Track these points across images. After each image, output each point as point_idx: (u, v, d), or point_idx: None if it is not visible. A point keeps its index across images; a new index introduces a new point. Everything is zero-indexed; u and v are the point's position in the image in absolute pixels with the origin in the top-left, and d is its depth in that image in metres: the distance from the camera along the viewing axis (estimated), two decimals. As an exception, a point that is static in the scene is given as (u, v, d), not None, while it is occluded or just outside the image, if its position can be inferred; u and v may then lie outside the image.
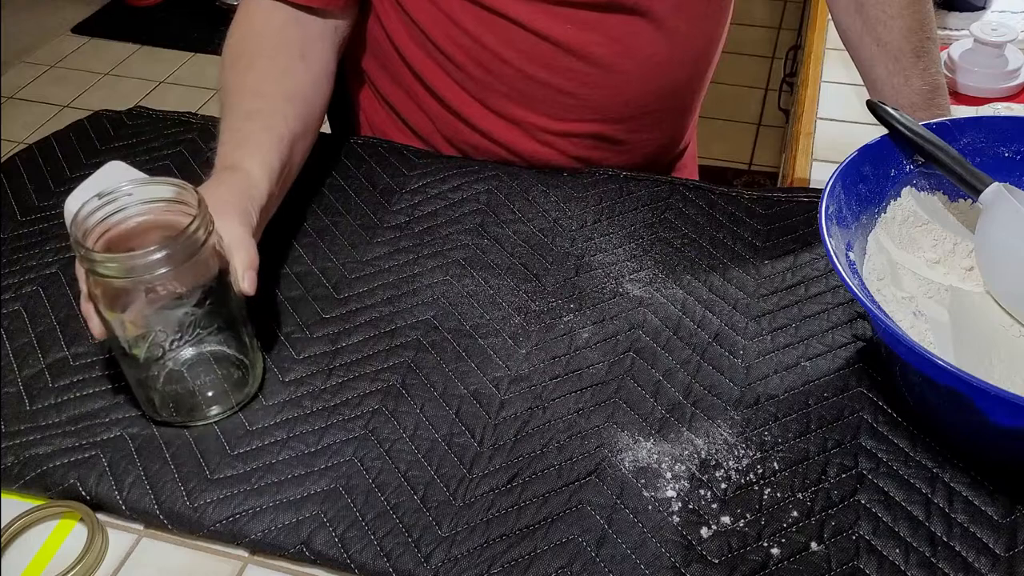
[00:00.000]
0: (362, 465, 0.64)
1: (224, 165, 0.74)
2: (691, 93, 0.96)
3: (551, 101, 0.90)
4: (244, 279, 0.65)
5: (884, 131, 0.73)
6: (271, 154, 0.76)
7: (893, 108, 0.73)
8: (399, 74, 0.94)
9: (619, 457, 0.63)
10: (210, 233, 0.62)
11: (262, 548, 0.60)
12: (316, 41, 0.85)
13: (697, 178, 1.07)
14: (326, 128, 1.11)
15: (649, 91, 0.90)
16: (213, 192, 0.68)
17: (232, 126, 0.77)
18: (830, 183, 0.67)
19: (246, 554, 0.61)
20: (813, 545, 0.58)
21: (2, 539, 0.61)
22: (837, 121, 1.06)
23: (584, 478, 0.62)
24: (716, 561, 0.57)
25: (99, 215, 0.62)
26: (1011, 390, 0.53)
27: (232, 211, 0.68)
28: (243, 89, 0.80)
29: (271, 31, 0.83)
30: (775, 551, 0.58)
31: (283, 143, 0.78)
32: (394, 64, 0.94)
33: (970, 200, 0.73)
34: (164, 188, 0.63)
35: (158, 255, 0.59)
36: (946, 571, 0.57)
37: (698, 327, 0.73)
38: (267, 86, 0.80)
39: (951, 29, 1.16)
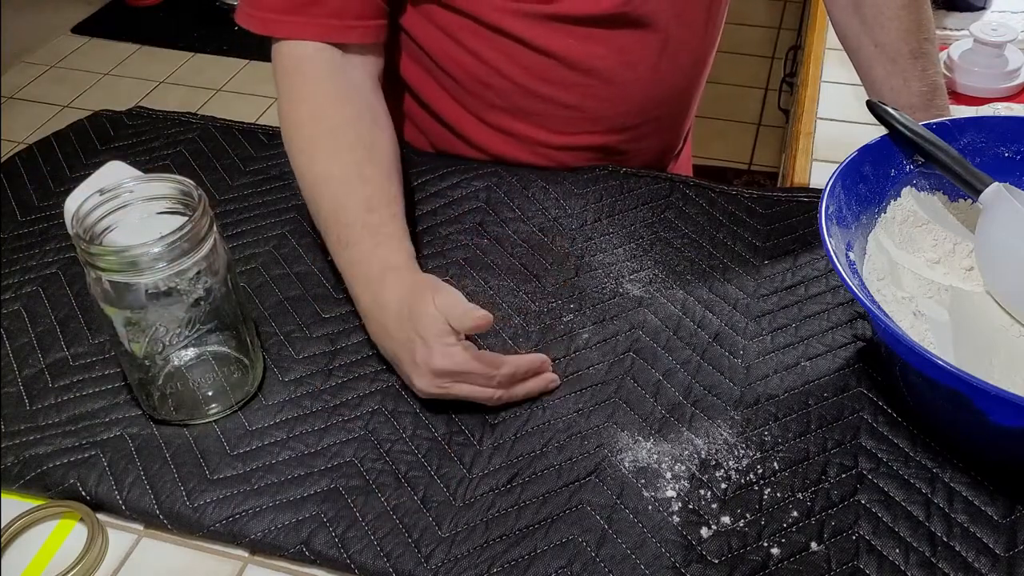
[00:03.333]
0: (362, 465, 0.64)
1: (387, 267, 0.70)
2: (690, 97, 0.96)
3: (552, 115, 0.89)
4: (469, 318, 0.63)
5: (884, 131, 0.73)
6: (410, 245, 0.73)
7: (893, 108, 0.73)
8: (393, 88, 0.93)
9: (619, 457, 0.63)
10: (210, 229, 0.62)
11: (262, 548, 0.60)
12: (372, 93, 0.80)
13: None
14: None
15: (651, 99, 0.90)
16: (409, 299, 0.66)
17: (358, 220, 0.71)
18: (830, 183, 0.67)
19: (246, 554, 0.61)
20: (813, 545, 0.58)
21: (2, 539, 0.61)
22: (837, 121, 1.06)
23: (584, 478, 0.62)
24: (716, 561, 0.57)
25: (100, 211, 0.62)
26: (1011, 390, 0.53)
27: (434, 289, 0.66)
28: (347, 175, 0.73)
29: (336, 96, 0.77)
30: (775, 551, 0.58)
31: (405, 223, 0.74)
32: (388, 78, 0.93)
33: (970, 200, 0.73)
34: (165, 185, 0.63)
35: (157, 250, 0.59)
36: (946, 571, 0.57)
37: (698, 327, 0.73)
38: (367, 168, 0.74)
39: (951, 29, 1.16)
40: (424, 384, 0.64)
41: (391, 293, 0.67)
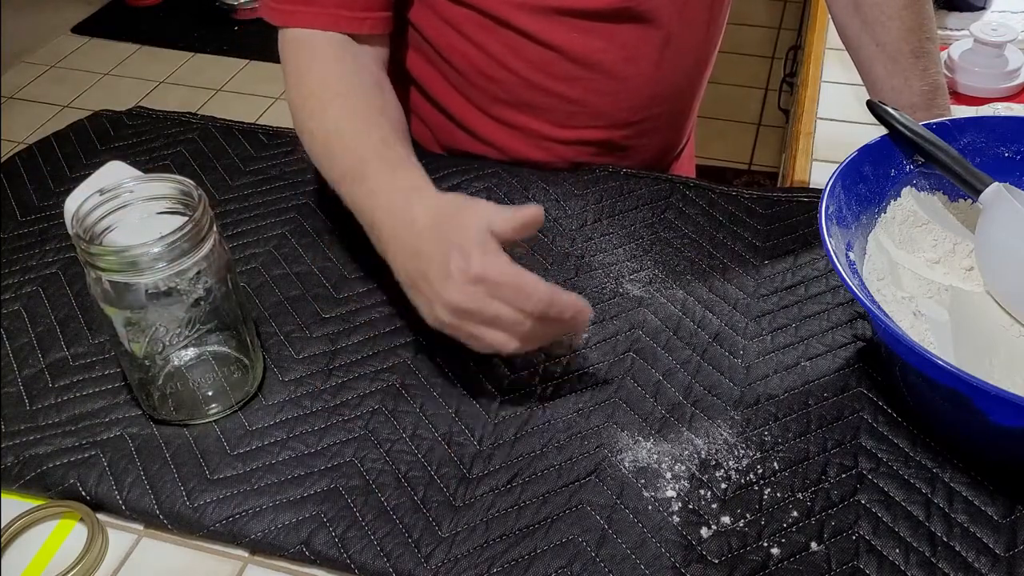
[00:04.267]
0: (362, 465, 0.64)
1: (412, 187, 0.68)
2: (691, 96, 0.96)
3: (555, 109, 0.89)
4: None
5: (884, 131, 0.73)
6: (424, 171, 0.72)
7: (893, 108, 0.73)
8: (398, 82, 0.94)
9: (619, 457, 0.63)
10: (210, 229, 0.62)
11: (262, 548, 0.60)
12: (380, 72, 0.81)
13: (694, 177, 1.07)
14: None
15: (653, 96, 0.90)
16: (450, 220, 0.62)
17: (376, 155, 0.71)
18: (830, 183, 0.67)
19: (246, 554, 0.61)
20: (813, 545, 0.58)
21: (2, 539, 0.61)
22: (837, 121, 1.06)
23: (584, 478, 0.62)
24: (716, 561, 0.57)
25: (100, 211, 0.62)
26: (1011, 390, 0.53)
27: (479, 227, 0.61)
28: (357, 127, 0.73)
29: (343, 69, 0.77)
30: (775, 551, 0.58)
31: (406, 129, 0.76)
32: (393, 71, 0.93)
33: (970, 200, 0.73)
34: (165, 185, 0.63)
35: (157, 250, 0.59)
36: (946, 571, 0.57)
37: (698, 327, 0.73)
38: (379, 118, 0.74)
39: (951, 29, 1.16)
40: (454, 296, 0.59)
41: (420, 208, 0.64)
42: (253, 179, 0.91)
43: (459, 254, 0.59)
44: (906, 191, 0.73)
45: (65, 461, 0.65)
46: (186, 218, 0.61)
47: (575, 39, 0.84)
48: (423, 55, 0.90)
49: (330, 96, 0.75)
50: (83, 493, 0.63)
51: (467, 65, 0.88)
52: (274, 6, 0.79)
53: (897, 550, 0.58)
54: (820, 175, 0.96)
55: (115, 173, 0.78)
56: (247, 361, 0.69)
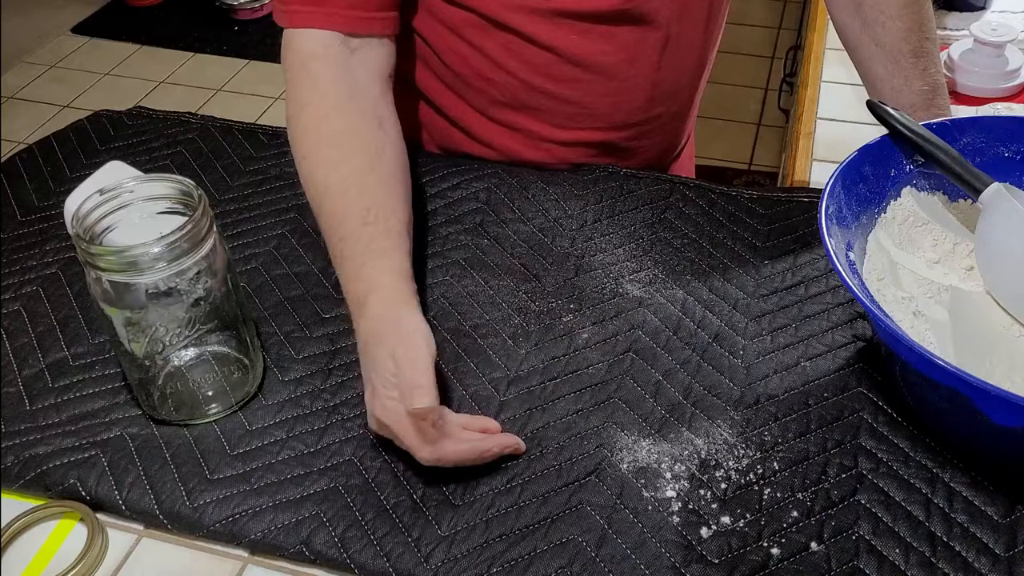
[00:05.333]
0: (361, 465, 0.64)
1: (371, 289, 0.68)
2: (691, 96, 0.96)
3: (554, 110, 0.89)
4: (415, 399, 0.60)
5: (884, 131, 0.73)
6: (403, 258, 0.71)
7: (893, 108, 0.73)
8: (397, 84, 0.93)
9: (619, 457, 0.63)
10: (210, 229, 0.62)
11: (262, 548, 0.60)
12: (380, 96, 0.79)
13: (694, 177, 1.07)
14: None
15: (653, 97, 0.90)
16: (384, 340, 0.64)
17: (352, 234, 0.71)
18: (830, 183, 0.67)
19: (246, 554, 0.61)
20: (813, 545, 0.58)
21: (2, 539, 0.61)
22: (837, 121, 1.06)
23: (584, 478, 0.62)
24: (716, 561, 0.57)
25: (100, 211, 0.62)
26: (1011, 390, 0.53)
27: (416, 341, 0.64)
28: (346, 186, 0.73)
29: (341, 100, 0.76)
30: (775, 551, 0.58)
31: (404, 234, 0.73)
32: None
33: (970, 200, 0.73)
34: (165, 185, 0.63)
35: (157, 250, 0.59)
36: (946, 571, 0.57)
37: (698, 327, 0.73)
38: (368, 177, 0.73)
39: (951, 29, 1.16)
40: (369, 423, 0.64)
41: (365, 321, 0.66)
42: (253, 179, 0.91)
43: (369, 390, 0.64)
44: (906, 191, 0.73)
45: (65, 461, 0.65)
46: (186, 218, 0.61)
47: (574, 41, 0.84)
48: (421, 58, 0.90)
49: (323, 140, 0.74)
50: (83, 493, 0.63)
51: (465, 67, 0.87)
52: (282, 8, 0.78)
53: (897, 550, 0.58)
54: (820, 175, 0.96)
55: (115, 173, 0.78)
56: (247, 361, 0.69)
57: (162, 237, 0.59)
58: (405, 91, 0.94)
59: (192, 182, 0.63)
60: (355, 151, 0.74)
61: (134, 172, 0.78)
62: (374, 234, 0.71)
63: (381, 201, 0.72)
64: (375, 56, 0.79)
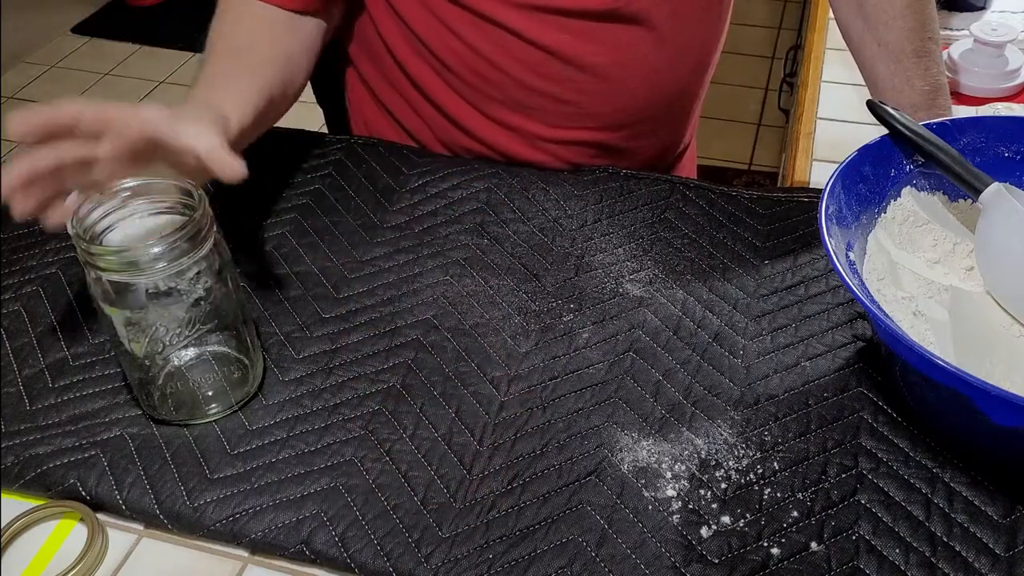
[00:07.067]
0: (362, 465, 0.64)
1: (195, 100, 0.72)
2: (690, 99, 0.96)
3: (549, 110, 0.89)
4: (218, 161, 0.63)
5: (884, 131, 0.73)
6: (248, 103, 0.75)
7: (893, 108, 0.73)
8: (395, 79, 0.94)
9: (619, 457, 0.63)
10: (210, 229, 0.62)
11: (262, 548, 0.60)
12: (304, 59, 0.84)
13: (696, 177, 1.07)
14: (323, 128, 1.11)
15: (648, 99, 0.90)
16: (181, 109, 0.66)
17: (213, 64, 0.76)
18: (830, 183, 0.67)
19: (246, 554, 0.61)
20: (813, 545, 0.58)
21: (2, 539, 0.61)
22: (837, 121, 1.06)
23: (584, 478, 0.62)
24: (716, 561, 0.57)
25: (100, 211, 0.62)
26: (1011, 390, 0.53)
27: (201, 117, 0.66)
28: (232, 35, 0.78)
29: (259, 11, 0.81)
30: (775, 551, 0.58)
31: (262, 95, 0.77)
32: (390, 69, 0.93)
33: (970, 200, 0.73)
34: (165, 185, 0.63)
35: (157, 250, 0.59)
36: (946, 571, 0.57)
37: (698, 327, 0.73)
38: (258, 42, 0.79)
39: (951, 29, 1.16)
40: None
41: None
42: (253, 179, 0.91)
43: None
44: (906, 191, 0.73)
45: (65, 461, 0.65)
46: (186, 218, 0.61)
47: (565, 40, 0.84)
48: (418, 54, 0.90)
49: (226, 51, 0.78)
50: (83, 493, 0.63)
51: (460, 64, 0.88)
52: None
53: (897, 550, 0.58)
54: (820, 175, 0.96)
55: (115, 173, 0.78)
56: (247, 361, 0.69)
57: (162, 237, 0.59)
58: (406, 87, 0.94)
59: (192, 182, 0.63)
60: (255, 25, 0.79)
61: (134, 172, 0.78)
62: (237, 68, 0.76)
63: (260, 58, 0.78)
64: (313, 30, 0.84)
